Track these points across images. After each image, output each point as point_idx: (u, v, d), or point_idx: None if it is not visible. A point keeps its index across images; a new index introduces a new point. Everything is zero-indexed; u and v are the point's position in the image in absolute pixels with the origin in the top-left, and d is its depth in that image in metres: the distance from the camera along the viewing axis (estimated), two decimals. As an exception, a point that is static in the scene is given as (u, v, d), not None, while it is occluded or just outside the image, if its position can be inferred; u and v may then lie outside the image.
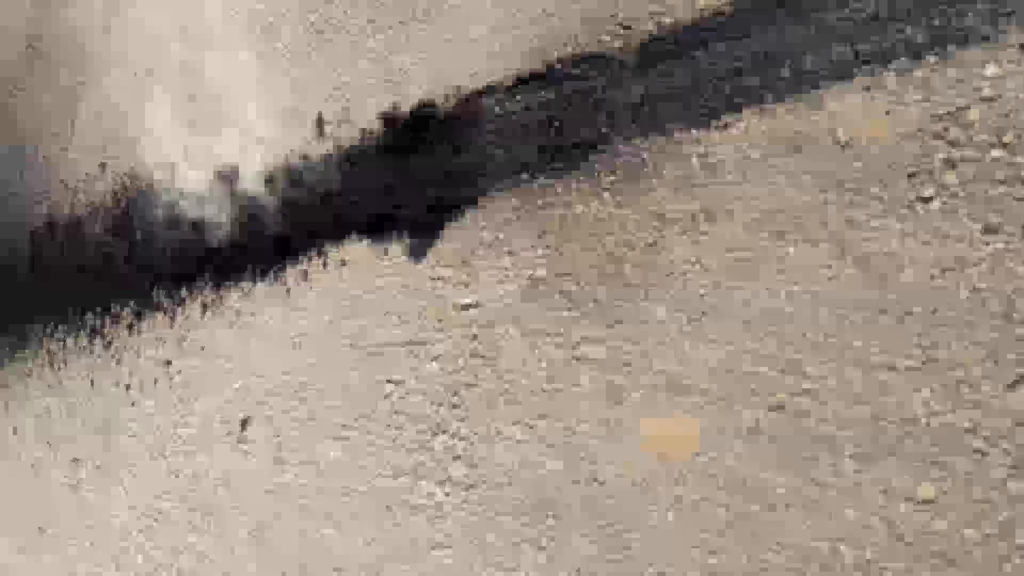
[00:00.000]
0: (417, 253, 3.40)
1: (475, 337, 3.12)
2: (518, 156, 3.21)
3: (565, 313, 2.89)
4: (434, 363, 3.22)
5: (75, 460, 4.70)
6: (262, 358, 3.80)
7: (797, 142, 2.56)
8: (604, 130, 2.99)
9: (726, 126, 2.72)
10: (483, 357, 3.08)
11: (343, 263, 3.64)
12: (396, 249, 3.48)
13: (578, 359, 2.81)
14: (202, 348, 4.09)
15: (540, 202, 3.10)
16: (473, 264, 3.22)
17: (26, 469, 4.99)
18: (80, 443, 4.65)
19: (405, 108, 3.60)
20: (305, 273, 3.76)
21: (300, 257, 3.80)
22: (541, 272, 3.01)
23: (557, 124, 3.13)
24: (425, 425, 3.16)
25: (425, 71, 3.54)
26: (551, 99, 3.17)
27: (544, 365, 2.90)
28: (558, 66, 3.17)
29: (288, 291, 3.80)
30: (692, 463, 2.50)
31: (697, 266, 2.63)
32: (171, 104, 4.50)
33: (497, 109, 3.32)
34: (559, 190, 3.05)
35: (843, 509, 2.23)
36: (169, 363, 4.24)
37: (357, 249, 3.62)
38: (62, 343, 4.94)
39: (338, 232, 3.70)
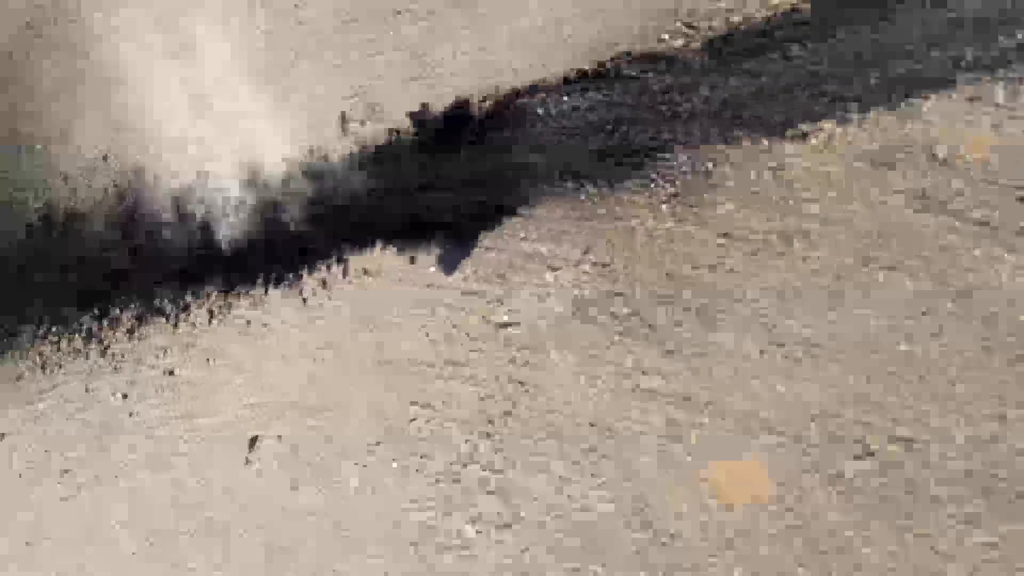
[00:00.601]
0: (449, 264, 3.13)
1: (513, 360, 2.86)
2: (564, 162, 2.94)
3: (617, 338, 2.63)
4: (466, 386, 2.95)
5: (67, 470, 4.42)
6: (276, 371, 3.52)
7: (886, 157, 2.30)
8: (664, 137, 2.73)
9: (804, 136, 2.46)
10: (522, 383, 2.81)
11: (366, 272, 3.37)
12: (425, 259, 3.21)
13: (632, 390, 2.55)
14: (208, 359, 3.81)
15: (588, 213, 2.84)
16: (511, 279, 2.95)
17: (14, 477, 4.70)
18: (74, 451, 4.37)
19: (438, 107, 3.32)
20: (324, 281, 3.48)
21: (318, 264, 3.53)
22: (589, 291, 2.75)
23: (609, 129, 2.87)
24: (455, 454, 2.90)
25: (462, 67, 3.27)
26: (603, 101, 2.90)
27: (592, 394, 2.64)
28: (612, 66, 2.91)
29: (304, 300, 3.52)
30: (762, 512, 2.24)
31: (770, 292, 2.37)
32: (181, 92, 4.21)
33: (541, 111, 3.05)
34: (611, 201, 2.78)
35: None
36: (172, 373, 3.95)
37: (382, 257, 3.35)
38: (56, 345, 4.65)
39: (361, 238, 3.43)
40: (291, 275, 3.58)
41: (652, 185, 2.69)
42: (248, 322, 3.69)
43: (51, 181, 5.08)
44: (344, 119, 3.63)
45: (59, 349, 4.56)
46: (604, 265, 2.73)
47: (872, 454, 2.11)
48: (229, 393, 3.68)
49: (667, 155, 2.71)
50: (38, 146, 5.33)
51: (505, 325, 2.91)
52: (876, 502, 2.07)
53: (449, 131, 3.26)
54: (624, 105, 2.86)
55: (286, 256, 3.59)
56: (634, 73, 2.86)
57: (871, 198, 2.27)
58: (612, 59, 2.92)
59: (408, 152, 3.38)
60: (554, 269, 2.86)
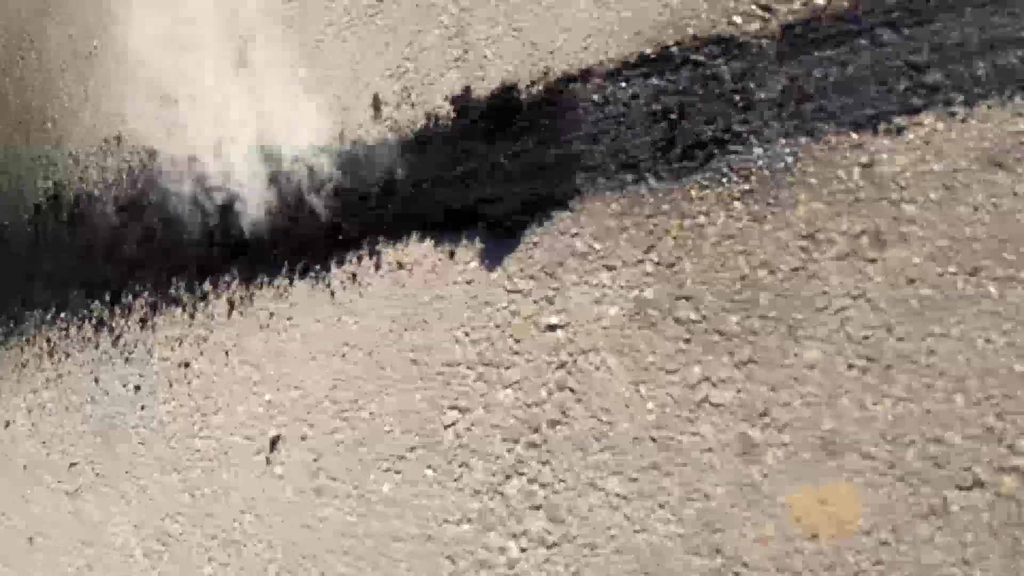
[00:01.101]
0: (492, 259, 2.91)
1: (562, 365, 2.64)
2: (623, 153, 2.72)
3: (682, 345, 2.41)
4: (509, 391, 2.74)
5: (72, 464, 4.21)
6: (299, 368, 3.31)
7: (998, 157, 2.07)
8: (736, 129, 2.51)
9: (899, 131, 2.24)
10: (572, 390, 2.60)
11: (400, 266, 3.15)
12: (466, 253, 2.99)
13: (699, 403, 2.34)
14: (227, 352, 3.59)
15: (650, 209, 2.62)
16: (561, 278, 2.73)
17: (17, 469, 4.49)
18: (79, 446, 4.15)
19: (482, 91, 3.10)
20: (354, 275, 3.26)
21: (348, 255, 3.31)
22: (650, 293, 2.53)
23: (673, 118, 2.64)
24: (497, 465, 2.68)
25: (510, 49, 3.05)
26: (666, 87, 2.68)
27: (653, 406, 2.42)
28: (676, 49, 2.68)
29: (333, 294, 3.30)
30: (851, 544, 2.03)
31: (861, 301, 2.15)
32: (202, 68, 3.98)
33: (597, 97, 2.83)
34: (676, 196, 2.57)
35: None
36: (187, 365, 3.74)
37: (418, 250, 3.13)
38: (64, 332, 4.43)
39: (395, 229, 3.21)
40: (318, 267, 3.36)
41: (724, 180, 2.47)
42: (271, 315, 3.48)
43: (61, 161, 4.86)
44: (378, 102, 3.40)
45: (67, 336, 4.35)
46: (669, 266, 2.51)
47: (981, 484, 1.89)
48: (248, 390, 3.46)
49: (740, 148, 2.48)
50: (48, 123, 5.11)
51: (554, 327, 2.69)
52: (986, 538, 1.85)
53: (493, 118, 3.04)
54: (691, 93, 2.63)
55: (313, 246, 3.38)
56: (702, 59, 2.64)
57: (979, 201, 2.05)
58: (676, 43, 2.69)
59: (448, 139, 3.15)
60: (610, 268, 2.64)
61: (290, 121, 3.61)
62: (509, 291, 2.85)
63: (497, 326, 2.84)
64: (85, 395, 4.14)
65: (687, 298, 2.45)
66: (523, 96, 3.00)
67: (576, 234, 2.75)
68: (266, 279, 3.54)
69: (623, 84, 2.81)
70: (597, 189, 2.75)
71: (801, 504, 2.12)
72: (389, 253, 3.20)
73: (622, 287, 2.59)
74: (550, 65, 2.96)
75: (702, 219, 2.49)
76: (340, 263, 3.32)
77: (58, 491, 4.18)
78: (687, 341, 2.41)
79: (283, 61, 3.67)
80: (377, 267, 3.22)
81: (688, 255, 2.49)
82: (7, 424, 4.58)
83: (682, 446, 2.34)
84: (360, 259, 3.27)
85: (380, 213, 3.26)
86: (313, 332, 3.32)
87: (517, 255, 2.86)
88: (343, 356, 3.20)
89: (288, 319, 3.43)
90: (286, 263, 3.49)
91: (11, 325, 4.81)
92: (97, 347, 4.18)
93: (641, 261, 2.58)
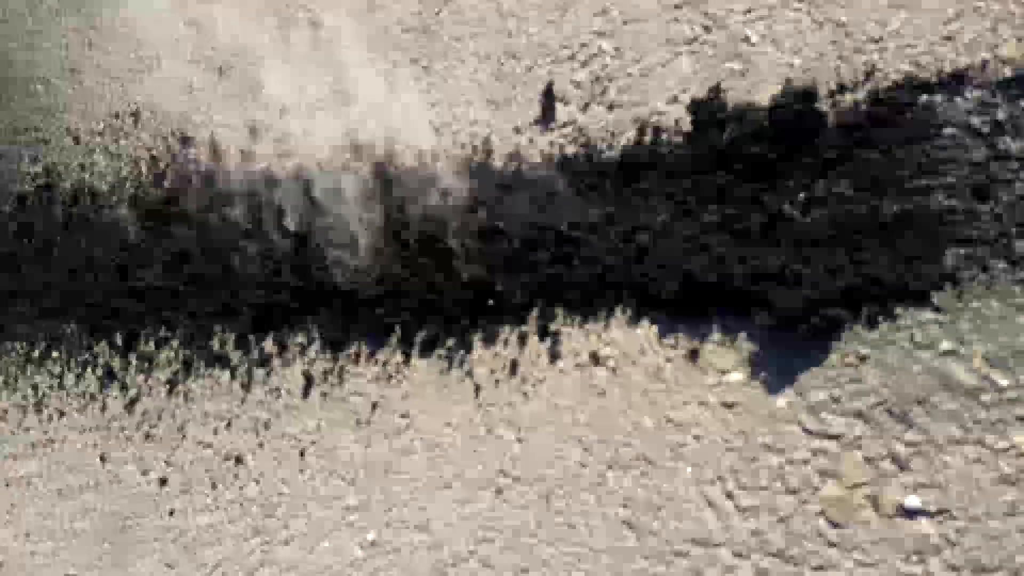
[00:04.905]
0: (775, 374, 1.79)
1: (931, 581, 1.54)
2: (1011, 220, 1.60)
3: None
4: (815, 605, 1.64)
5: None
6: (422, 498, 2.19)
7: None
8: None
9: None
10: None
11: (596, 359, 2.02)
12: (722, 356, 1.87)
13: None
14: (302, 451, 2.46)
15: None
16: (922, 425, 1.62)
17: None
18: (75, 552, 3.02)
19: (743, 94, 1.95)
20: (513, 364, 2.13)
21: (502, 331, 2.17)
22: None
23: None
24: None
25: (799, 29, 1.89)
26: None
27: None
28: None
29: (477, 389, 2.17)
30: None
31: None
32: (263, 28, 2.78)
33: (978, 120, 1.69)
34: None
35: None
36: (239, 460, 2.61)
37: (629, 339, 2.00)
38: (57, 379, 3.26)
39: (585, 300, 2.07)
40: (452, 342, 2.22)
41: None
42: (375, 405, 2.34)
43: (54, 138, 3.65)
44: (551, 97, 2.24)
45: (61, 386, 3.19)
46: None
47: None
48: (337, 517, 2.33)
49: None
50: (35, 85, 3.89)
51: (914, 513, 1.58)
52: None
53: (769, 139, 1.89)
54: None
55: (445, 310, 2.23)
56: None
57: None
58: None
59: (677, 166, 2.01)
60: None
61: (402, 117, 2.44)
62: (812, 433, 1.73)
63: (792, 492, 1.72)
64: (86, 477, 2.99)
65: None
66: (825, 107, 1.85)
67: (951, 353, 1.63)
68: (366, 348, 2.40)
69: (996, 98, 1.68)
70: (990, 278, 1.63)
71: None
72: (575, 337, 2.06)
73: (1058, 463, 1.49)
74: (879, 61, 1.81)
75: None
76: (488, 341, 2.19)
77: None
78: None
79: (395, 34, 2.49)
80: (554, 356, 2.08)
81: None
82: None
83: None
84: (523, 339, 2.14)
85: (557, 272, 2.12)
86: (444, 442, 2.19)
87: (826, 373, 1.74)
88: (498, 491, 2.08)
89: (401, 416, 2.29)
90: (398, 329, 2.34)
91: (-16, 356, 3.63)
92: (104, 409, 3.03)
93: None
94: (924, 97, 1.74)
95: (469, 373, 2.19)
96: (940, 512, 1.55)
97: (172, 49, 3.14)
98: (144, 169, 3.22)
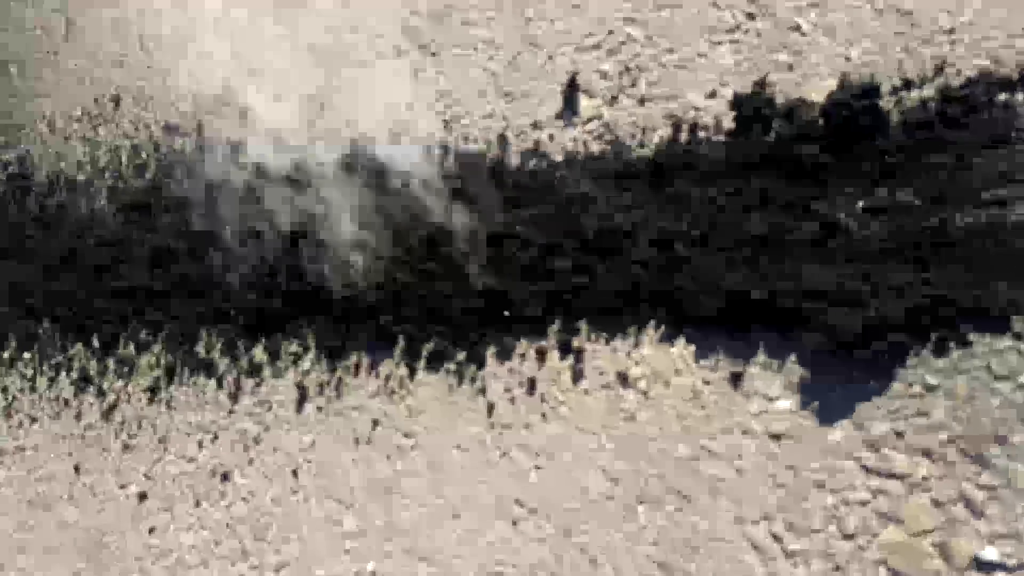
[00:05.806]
0: (827, 404, 1.61)
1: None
2: None
3: None
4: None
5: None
6: (429, 526, 2.00)
7: None
8: None
9: None
10: None
11: (623, 379, 1.83)
12: (767, 382, 1.68)
13: None
14: (295, 470, 2.26)
15: None
16: (999, 467, 1.45)
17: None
18: (50, 567, 2.81)
19: (793, 87, 1.76)
20: (531, 382, 1.94)
21: (518, 344, 1.98)
22: None
23: None
24: None
25: (856, 18, 1.70)
26: None
27: None
28: None
29: (491, 407, 1.98)
30: None
31: None
32: (263, 9, 2.56)
33: (1064, 123, 1.51)
34: None
35: None
36: (225, 477, 2.40)
37: (661, 358, 1.81)
38: (29, 383, 3.04)
39: (612, 314, 1.88)
40: (461, 356, 2.02)
41: None
42: (376, 423, 2.14)
43: (28, 123, 3.42)
44: (574, 88, 2.04)
45: (33, 390, 2.97)
46: None
47: None
48: (333, 544, 2.14)
49: None
50: (11, 68, 3.67)
51: (992, 567, 1.40)
52: None
53: (821, 138, 1.70)
54: None
55: (453, 319, 2.03)
56: None
57: None
58: None
59: (709, 168, 1.82)
60: (1113, 466, 1.35)
61: (408, 108, 2.23)
62: (872, 471, 1.55)
63: (848, 537, 1.54)
64: (60, 488, 2.78)
65: None
66: (888, 105, 1.67)
67: (1026, 385, 1.46)
68: (366, 359, 2.20)
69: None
70: (1076, 304, 1.45)
71: None
72: (601, 354, 1.87)
73: None
74: (950, 54, 1.63)
75: None
76: (503, 356, 1.99)
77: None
78: None
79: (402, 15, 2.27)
80: (577, 375, 1.89)
81: None
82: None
83: None
84: (542, 355, 1.94)
85: (581, 283, 1.93)
86: (453, 465, 2.00)
87: (888, 404, 1.56)
88: (512, 522, 1.89)
89: (405, 435, 2.10)
90: (402, 339, 2.14)
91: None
92: (79, 417, 2.81)
93: None
94: (1003, 95, 1.55)
95: (481, 390, 2.00)
96: (1021, 567, 1.38)
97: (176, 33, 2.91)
98: (125, 159, 2.99)
